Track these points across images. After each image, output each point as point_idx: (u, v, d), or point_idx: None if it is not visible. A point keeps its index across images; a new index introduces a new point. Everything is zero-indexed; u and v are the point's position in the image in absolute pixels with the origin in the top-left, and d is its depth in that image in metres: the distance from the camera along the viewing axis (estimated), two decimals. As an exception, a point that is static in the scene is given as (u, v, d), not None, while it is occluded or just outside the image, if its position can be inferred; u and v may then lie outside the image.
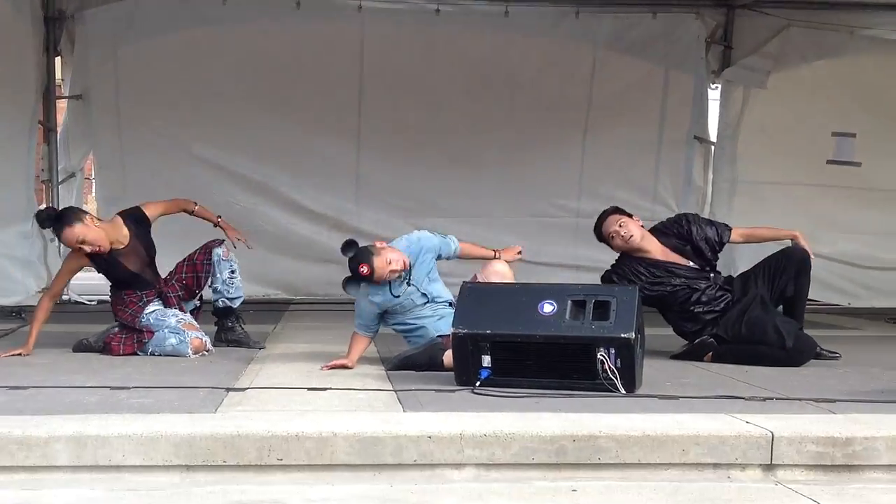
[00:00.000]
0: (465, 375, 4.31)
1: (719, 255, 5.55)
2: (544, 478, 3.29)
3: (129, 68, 8.81)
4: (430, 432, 3.33)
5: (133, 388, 4.10)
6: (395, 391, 4.15)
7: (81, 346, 5.38)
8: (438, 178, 9.07)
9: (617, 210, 5.62)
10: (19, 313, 7.21)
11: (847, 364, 5.23)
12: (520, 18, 8.94)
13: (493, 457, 3.32)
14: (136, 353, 5.24)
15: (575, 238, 9.35)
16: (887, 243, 9.22)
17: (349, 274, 4.88)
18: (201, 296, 5.67)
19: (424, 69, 9.07)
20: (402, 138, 9.10)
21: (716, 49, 9.31)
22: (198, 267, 5.57)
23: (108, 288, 5.61)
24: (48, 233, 8.56)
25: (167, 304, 5.43)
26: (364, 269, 4.73)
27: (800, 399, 4.09)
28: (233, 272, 5.60)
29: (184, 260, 5.62)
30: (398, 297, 4.89)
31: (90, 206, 11.95)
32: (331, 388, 4.17)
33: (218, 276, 5.56)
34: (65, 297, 8.49)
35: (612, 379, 4.14)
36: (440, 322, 4.90)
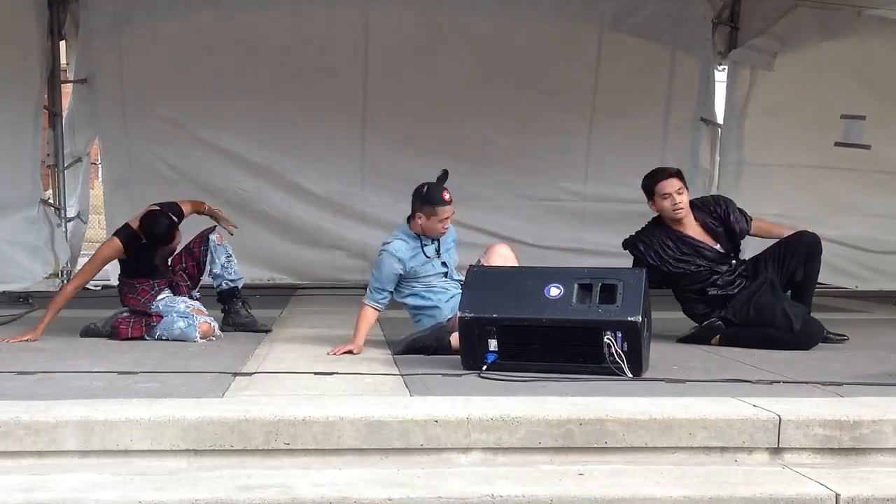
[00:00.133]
0: (472, 359, 4.31)
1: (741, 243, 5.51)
2: (551, 462, 3.29)
3: (134, 52, 8.80)
4: (436, 416, 3.33)
5: (140, 373, 4.11)
6: (402, 375, 4.15)
7: (89, 331, 5.39)
8: (444, 162, 8.95)
9: (680, 175, 5.41)
10: (27, 299, 7.23)
11: (854, 347, 5.22)
12: (525, 0, 8.92)
13: (499, 441, 3.32)
14: (143, 338, 5.25)
15: (582, 222, 9.36)
16: (895, 226, 9.19)
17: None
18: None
19: (429, 52, 9.04)
20: (407, 122, 9.08)
21: (722, 30, 9.28)
22: (196, 254, 5.64)
23: (118, 275, 5.61)
24: (55, 218, 8.60)
25: (177, 293, 5.46)
26: (447, 196, 4.91)
27: (807, 382, 4.09)
28: (229, 256, 5.67)
29: (181, 252, 5.66)
30: (429, 258, 4.98)
31: (96, 191, 11.96)
32: (338, 373, 4.17)
33: (217, 261, 5.62)
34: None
35: (618, 362, 4.14)
36: (452, 301, 4.92)
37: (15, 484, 2.97)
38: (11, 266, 7.83)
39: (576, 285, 4.32)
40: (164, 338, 5.24)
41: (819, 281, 5.51)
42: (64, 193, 8.89)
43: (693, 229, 5.38)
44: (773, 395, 3.74)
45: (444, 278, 5.05)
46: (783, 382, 4.08)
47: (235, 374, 4.11)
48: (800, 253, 5.31)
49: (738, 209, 5.53)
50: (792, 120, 8.97)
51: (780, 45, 8.88)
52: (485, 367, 4.23)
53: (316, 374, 4.16)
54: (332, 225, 9.27)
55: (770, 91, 9.01)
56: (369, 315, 4.96)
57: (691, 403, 3.57)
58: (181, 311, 5.30)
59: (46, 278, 8.22)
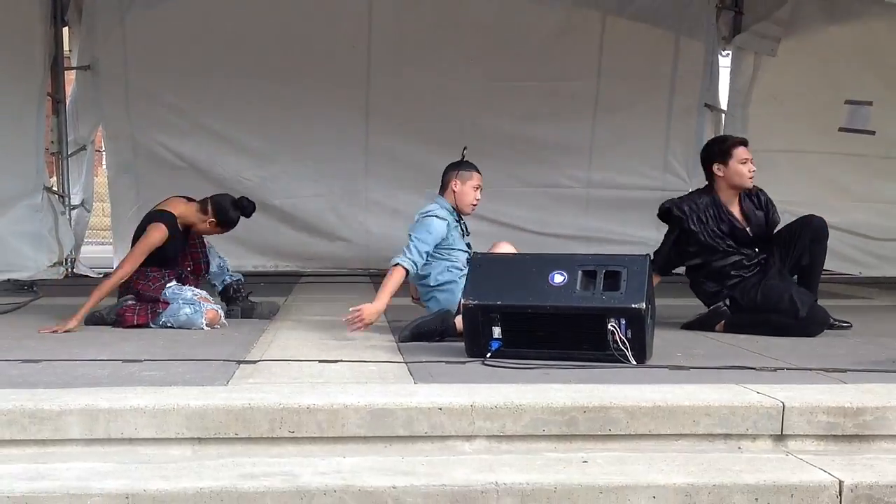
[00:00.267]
0: (476, 347, 4.31)
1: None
2: (555, 449, 3.30)
3: (137, 38, 8.80)
4: (440, 404, 3.33)
5: (145, 360, 4.12)
6: (406, 363, 4.16)
7: (94, 319, 5.39)
8: (447, 149, 9.00)
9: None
10: (31, 287, 7.23)
11: (858, 334, 5.22)
12: (528, -15, 8.90)
13: (503, 428, 3.32)
14: (149, 325, 5.25)
15: (585, 209, 9.35)
16: (900, 212, 9.18)
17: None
18: None
19: (433, 39, 9.03)
20: (410, 110, 9.08)
21: (726, 15, 9.25)
22: (195, 255, 5.69)
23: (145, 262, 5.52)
24: (59, 206, 8.60)
25: (184, 284, 5.48)
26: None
27: (810, 369, 4.09)
28: (220, 256, 5.82)
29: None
30: (462, 234, 5.11)
31: (100, 178, 11.96)
32: (342, 361, 4.18)
33: (213, 261, 5.73)
34: (76, 271, 8.53)
35: (622, 350, 4.14)
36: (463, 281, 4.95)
37: (19, 472, 2.98)
38: (16, 254, 7.84)
39: (579, 272, 4.32)
40: (169, 325, 5.24)
41: (823, 267, 5.49)
42: (68, 181, 8.89)
43: (735, 208, 5.37)
44: (777, 382, 3.74)
45: (466, 254, 5.09)
46: (787, 369, 4.08)
47: (240, 362, 4.11)
48: (805, 236, 5.28)
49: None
50: (796, 105, 8.95)
51: (784, 29, 8.85)
52: (489, 355, 4.23)
53: (320, 361, 4.16)
54: (336, 213, 9.28)
55: (774, 76, 8.99)
56: (399, 276, 4.91)
57: (695, 391, 3.57)
58: (188, 298, 5.31)
59: (51, 266, 8.22)
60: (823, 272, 5.57)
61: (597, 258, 4.48)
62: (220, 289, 5.74)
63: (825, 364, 4.17)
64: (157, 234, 5.40)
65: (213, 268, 5.72)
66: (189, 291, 5.37)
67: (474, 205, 5.14)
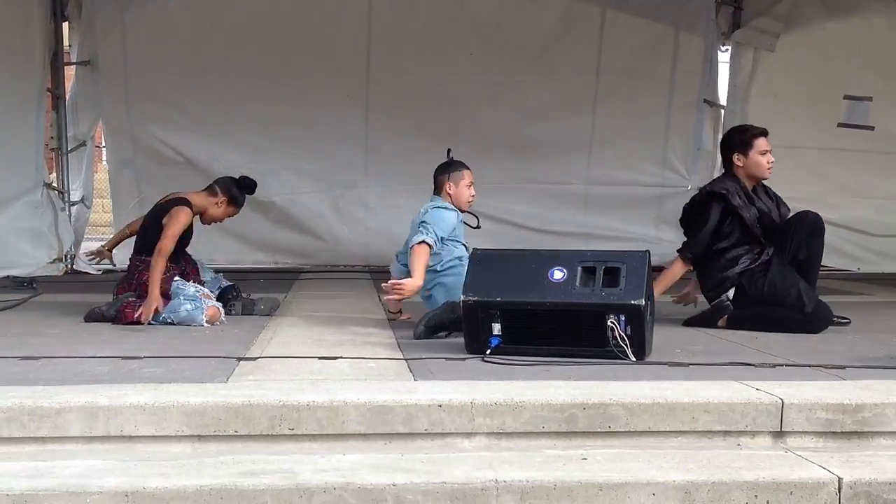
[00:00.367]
0: (476, 343, 4.31)
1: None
2: (555, 446, 3.30)
3: (137, 34, 8.80)
4: (440, 401, 3.33)
5: (145, 357, 4.11)
6: (406, 360, 4.16)
7: (94, 315, 5.38)
8: (447, 143, 8.98)
9: None
10: (31, 283, 7.23)
11: (856, 330, 5.22)
12: (529, -21, 8.90)
13: (503, 425, 3.32)
14: (150, 322, 5.24)
15: (585, 205, 9.35)
16: (899, 208, 9.18)
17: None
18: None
19: (432, 35, 9.02)
20: (410, 106, 9.07)
21: (726, 10, 9.24)
22: (188, 259, 5.70)
23: (139, 254, 5.52)
24: (58, 202, 8.60)
25: (187, 280, 5.50)
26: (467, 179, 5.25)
27: (809, 366, 4.09)
28: (213, 270, 5.90)
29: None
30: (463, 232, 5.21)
31: (100, 174, 11.95)
32: (342, 358, 4.18)
33: (206, 273, 5.75)
34: (75, 268, 8.53)
35: (622, 346, 4.14)
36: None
37: (19, 470, 2.98)
38: (15, 251, 7.84)
39: (579, 268, 4.32)
40: (169, 321, 5.24)
41: (822, 263, 5.49)
42: (67, 177, 8.89)
43: (759, 194, 5.38)
44: (776, 379, 3.75)
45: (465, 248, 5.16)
46: (786, 366, 4.09)
47: (240, 359, 4.11)
48: (802, 231, 5.27)
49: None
50: (795, 101, 8.95)
51: (784, 25, 8.85)
52: (488, 352, 4.23)
53: (320, 358, 4.16)
54: (336, 209, 9.27)
55: (773, 72, 8.99)
56: (425, 253, 4.95)
57: (694, 387, 3.58)
58: (190, 294, 5.32)
59: (50, 263, 8.22)
60: (822, 268, 5.57)
61: (596, 254, 4.48)
62: (217, 294, 5.72)
63: (824, 360, 4.17)
64: (185, 215, 5.46)
65: (207, 277, 5.72)
66: (192, 287, 5.38)
67: (470, 201, 5.28)
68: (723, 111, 9.29)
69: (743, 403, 3.40)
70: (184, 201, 5.52)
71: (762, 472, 3.06)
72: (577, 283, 4.29)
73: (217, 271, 5.96)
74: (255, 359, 4.16)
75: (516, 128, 9.20)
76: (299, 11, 8.88)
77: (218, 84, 8.93)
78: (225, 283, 5.77)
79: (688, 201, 5.49)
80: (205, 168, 8.87)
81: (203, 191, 5.68)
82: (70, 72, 9.00)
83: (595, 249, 4.75)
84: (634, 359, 4.15)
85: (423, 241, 4.94)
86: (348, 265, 9.11)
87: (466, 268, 4.88)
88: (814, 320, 5.07)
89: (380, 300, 5.78)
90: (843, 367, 4.02)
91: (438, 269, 5.12)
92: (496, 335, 4.28)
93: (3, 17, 7.77)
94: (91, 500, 2.83)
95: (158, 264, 5.25)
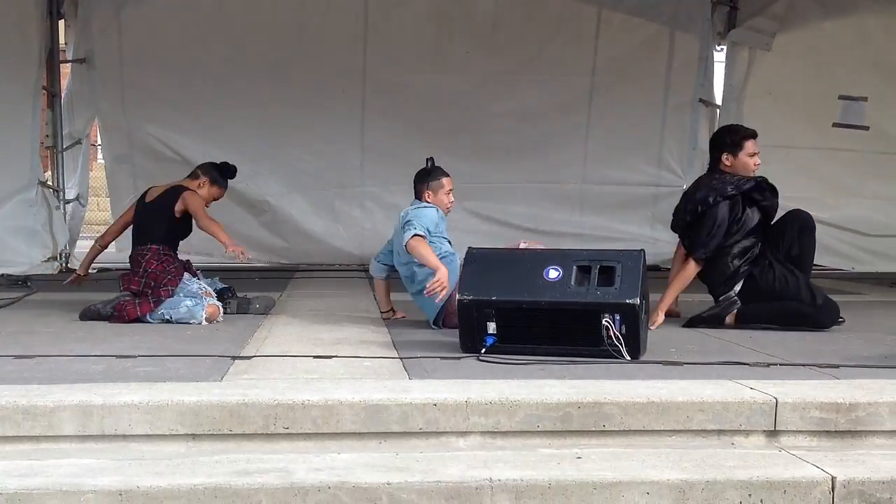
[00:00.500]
0: (471, 342, 4.31)
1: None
2: (549, 445, 3.30)
3: (133, 32, 8.79)
4: (435, 400, 3.33)
5: (139, 356, 4.11)
6: (401, 359, 4.16)
7: (90, 314, 5.36)
8: (443, 143, 9.01)
9: None
10: (25, 282, 7.22)
11: (850, 329, 5.23)
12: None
13: (498, 424, 3.33)
14: (147, 318, 5.23)
15: (581, 205, 9.35)
16: (894, 208, 9.18)
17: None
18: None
19: (429, 33, 9.02)
20: (406, 105, 9.07)
21: (721, 10, 9.25)
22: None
23: (143, 244, 5.53)
24: (53, 200, 8.58)
25: (193, 276, 5.55)
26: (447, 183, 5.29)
27: (803, 365, 4.10)
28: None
29: None
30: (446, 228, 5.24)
31: (95, 172, 11.93)
32: (337, 356, 4.17)
33: (202, 280, 5.71)
34: (70, 266, 8.52)
35: (616, 345, 4.15)
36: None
37: (12, 469, 2.97)
38: (9, 250, 7.82)
39: (574, 267, 4.32)
40: (167, 318, 5.23)
41: (815, 262, 5.50)
42: (63, 175, 8.88)
43: None
44: (770, 378, 3.75)
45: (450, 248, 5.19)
46: (780, 365, 4.10)
47: (234, 358, 4.11)
48: (792, 228, 5.30)
49: None
50: (790, 101, 8.96)
51: (779, 24, 8.85)
52: (484, 351, 4.23)
53: (315, 357, 4.16)
54: (332, 208, 9.27)
55: (768, 72, 9.00)
56: (424, 242, 4.96)
57: (689, 386, 3.58)
58: (192, 290, 5.33)
59: (45, 262, 8.21)
60: (817, 267, 5.58)
61: (591, 253, 4.48)
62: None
63: (818, 360, 4.18)
64: (197, 198, 5.56)
65: (204, 282, 5.70)
66: (195, 284, 5.40)
67: (449, 207, 5.31)
68: (718, 111, 9.30)
69: (737, 402, 3.41)
70: (182, 188, 5.59)
71: (756, 471, 3.07)
72: (573, 283, 4.29)
73: (212, 271, 5.95)
74: (249, 358, 4.15)
75: (512, 127, 9.20)
76: (296, 10, 8.88)
77: (214, 82, 8.92)
78: (220, 284, 5.76)
79: (687, 204, 5.40)
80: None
81: (185, 178, 5.75)
82: (66, 69, 8.99)
83: (590, 248, 4.76)
84: (629, 358, 4.15)
85: (415, 234, 4.95)
86: (343, 264, 9.11)
87: (457, 265, 4.92)
88: (825, 312, 5.11)
89: (374, 299, 5.78)
90: (837, 367, 4.03)
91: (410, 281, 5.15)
92: (491, 334, 4.28)
93: (-2, 15, 7.77)
94: (85, 500, 2.82)
95: (216, 228, 5.39)
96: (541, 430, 3.33)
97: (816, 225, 5.39)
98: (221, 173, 5.79)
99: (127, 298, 5.37)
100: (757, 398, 3.43)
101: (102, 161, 9.91)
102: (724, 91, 9.28)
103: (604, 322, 4.16)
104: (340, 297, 6.63)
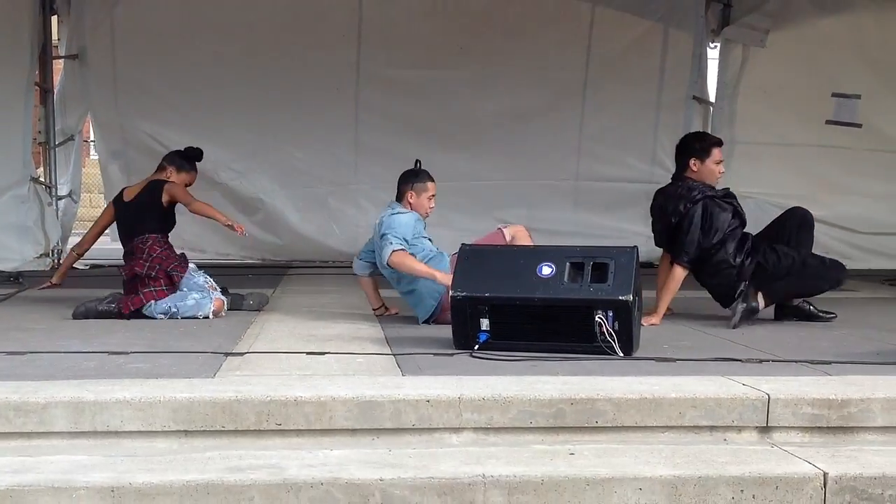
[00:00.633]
0: (464, 339, 4.31)
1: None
2: (542, 441, 3.31)
3: (126, 27, 8.75)
4: (428, 396, 3.33)
5: (131, 353, 4.11)
6: (394, 355, 4.16)
7: (88, 313, 5.24)
8: (437, 140, 9.01)
9: None
10: (17, 278, 7.20)
11: (842, 325, 5.25)
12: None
13: (491, 421, 3.33)
14: (154, 313, 5.21)
15: (574, 202, 9.34)
16: (887, 205, 9.18)
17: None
18: None
19: (422, 30, 9.00)
20: (399, 101, 9.05)
21: (715, 7, 9.24)
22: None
23: (141, 234, 5.52)
24: (45, 196, 8.56)
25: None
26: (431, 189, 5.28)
27: (796, 361, 4.10)
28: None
29: None
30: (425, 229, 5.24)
31: (88, 169, 11.90)
32: (330, 353, 4.18)
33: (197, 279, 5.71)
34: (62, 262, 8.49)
35: (609, 342, 4.15)
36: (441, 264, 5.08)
37: (4, 465, 2.97)
38: (2, 246, 7.79)
39: (567, 264, 4.33)
40: (174, 311, 5.21)
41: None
42: (55, 171, 8.85)
43: None
44: (763, 374, 3.76)
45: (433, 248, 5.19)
46: (772, 361, 4.11)
47: (227, 355, 4.11)
48: (792, 224, 5.39)
49: None
50: (784, 98, 8.95)
51: (773, 21, 8.85)
52: (477, 347, 4.24)
53: (308, 353, 4.16)
54: (325, 205, 9.24)
55: (762, 69, 8.99)
56: (405, 254, 4.99)
57: (681, 382, 3.59)
58: (199, 283, 5.34)
59: (37, 258, 8.18)
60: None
61: (585, 250, 4.50)
62: None
63: (810, 356, 4.19)
64: (179, 186, 5.59)
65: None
66: (201, 277, 5.42)
67: (428, 213, 5.29)
68: (712, 108, 9.30)
69: (729, 399, 3.42)
70: (160, 181, 5.63)
71: (748, 467, 3.08)
72: (566, 279, 4.30)
73: (205, 267, 5.93)
74: (242, 354, 4.15)
75: (505, 124, 9.19)
76: (290, 6, 8.85)
77: (207, 79, 8.89)
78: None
79: (661, 220, 5.45)
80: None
81: (154, 173, 5.79)
82: (58, 65, 8.96)
83: (584, 245, 4.77)
84: (622, 354, 4.16)
85: (395, 250, 4.97)
86: (337, 261, 9.09)
87: (446, 262, 4.93)
88: (837, 269, 5.36)
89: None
90: (829, 363, 4.04)
91: (421, 261, 5.12)
92: (484, 330, 4.28)
93: (-9, 10, 7.73)
94: (77, 496, 2.82)
95: (208, 209, 5.46)
96: (534, 427, 3.34)
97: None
98: (186, 158, 5.81)
99: (128, 295, 5.33)
100: (749, 394, 3.43)
101: (95, 157, 9.87)
102: (717, 88, 9.27)
103: (597, 318, 4.17)
104: (333, 293, 6.62)
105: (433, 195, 5.29)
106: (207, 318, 5.21)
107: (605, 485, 2.98)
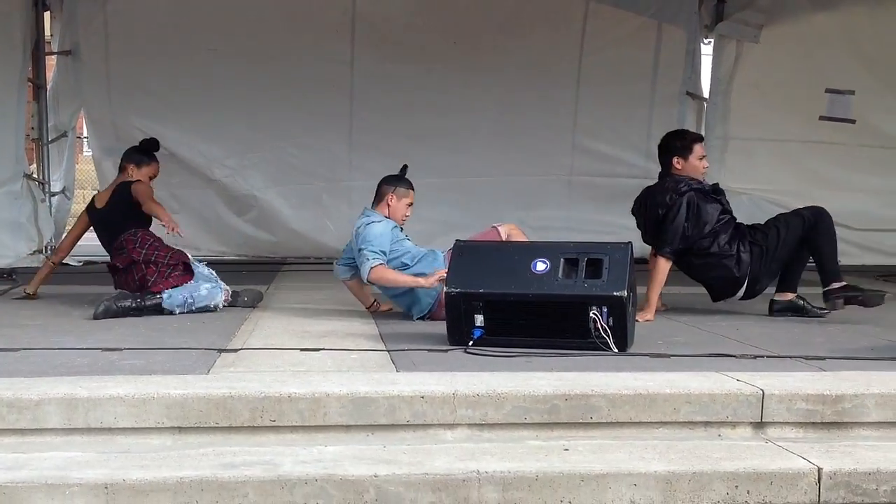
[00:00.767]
0: (458, 335, 4.31)
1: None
2: (537, 437, 3.30)
3: (119, 23, 8.72)
4: (423, 392, 3.33)
5: (125, 349, 4.10)
6: (388, 351, 4.16)
7: (116, 311, 5.08)
8: (430, 136, 9.00)
9: None
10: (10, 275, 7.18)
11: (836, 321, 5.25)
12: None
13: (485, 417, 3.33)
14: (173, 307, 5.19)
15: (568, 197, 9.33)
16: (881, 201, 9.20)
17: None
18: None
19: (416, 25, 8.99)
20: (395, 97, 9.03)
21: (709, 3, 9.24)
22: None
23: (126, 231, 5.51)
24: (38, 193, 8.53)
25: None
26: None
27: (790, 357, 4.11)
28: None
29: None
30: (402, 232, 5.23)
31: (81, 165, 11.86)
32: (324, 349, 4.17)
33: None
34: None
35: (604, 337, 4.15)
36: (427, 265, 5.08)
37: (-2, 462, 2.96)
38: (-6, 243, 7.77)
39: (562, 260, 4.33)
40: (189, 301, 5.21)
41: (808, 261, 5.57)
42: (48, 168, 8.82)
43: None
44: (757, 370, 3.77)
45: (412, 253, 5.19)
46: (766, 357, 4.11)
47: (221, 351, 4.10)
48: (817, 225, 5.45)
49: None
50: (777, 93, 8.95)
51: (767, 17, 8.86)
52: (471, 343, 4.24)
53: (302, 350, 4.16)
54: (319, 202, 9.22)
55: (756, 64, 9.00)
56: (384, 268, 4.99)
57: (676, 378, 3.59)
58: (205, 274, 5.35)
59: (30, 255, 8.16)
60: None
61: (579, 246, 4.49)
62: None
63: (804, 352, 4.20)
64: (142, 185, 5.57)
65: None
66: (205, 268, 5.42)
67: (404, 220, 5.29)
68: (705, 103, 9.30)
69: (724, 394, 3.42)
70: (128, 183, 5.63)
71: (742, 463, 3.08)
72: (560, 275, 4.30)
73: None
74: (236, 350, 4.15)
75: (499, 119, 9.18)
76: (283, 3, 8.83)
77: (200, 75, 8.87)
78: None
79: (647, 216, 5.49)
80: (186, 158, 8.83)
81: (118, 175, 5.81)
82: (51, 61, 8.92)
83: (578, 241, 4.76)
84: (617, 350, 4.16)
85: (372, 267, 4.96)
86: (331, 258, 9.08)
87: (440, 259, 4.93)
88: (821, 216, 5.37)
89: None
90: (824, 359, 4.04)
91: (409, 263, 5.14)
92: (479, 327, 4.28)
93: (-17, 6, 7.71)
94: (70, 492, 2.81)
95: (156, 207, 5.40)
96: (528, 423, 3.34)
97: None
98: (143, 152, 5.82)
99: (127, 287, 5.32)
100: (744, 390, 3.44)
101: (88, 153, 9.84)
102: (711, 84, 9.27)
103: (591, 314, 4.17)
104: (328, 290, 6.61)
105: (411, 203, 5.29)
106: (218, 307, 5.22)
107: (600, 480, 2.98)
